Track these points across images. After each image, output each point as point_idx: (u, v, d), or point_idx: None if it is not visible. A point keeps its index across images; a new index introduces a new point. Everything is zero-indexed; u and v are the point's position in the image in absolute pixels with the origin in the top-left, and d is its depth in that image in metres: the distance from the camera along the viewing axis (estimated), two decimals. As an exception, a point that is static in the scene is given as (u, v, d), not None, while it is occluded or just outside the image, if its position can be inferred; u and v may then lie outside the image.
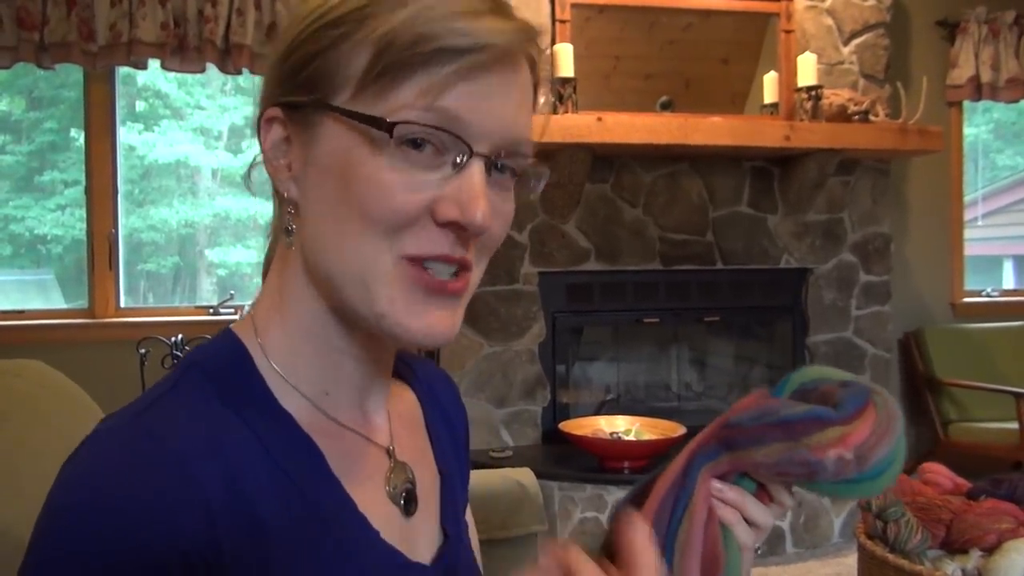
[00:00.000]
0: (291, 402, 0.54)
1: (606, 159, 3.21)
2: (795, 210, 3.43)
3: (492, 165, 0.50)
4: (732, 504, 0.53)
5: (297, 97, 0.51)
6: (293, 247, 0.53)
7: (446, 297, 0.51)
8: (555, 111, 2.96)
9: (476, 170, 0.49)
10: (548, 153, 2.74)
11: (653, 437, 2.94)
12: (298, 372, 0.54)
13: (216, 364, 0.53)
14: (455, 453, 0.69)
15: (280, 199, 0.54)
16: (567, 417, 3.19)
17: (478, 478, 1.55)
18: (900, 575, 1.50)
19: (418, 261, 0.49)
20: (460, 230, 0.49)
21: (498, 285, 3.17)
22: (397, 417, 0.63)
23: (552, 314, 3.27)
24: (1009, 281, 4.72)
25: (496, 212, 0.51)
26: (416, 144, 0.48)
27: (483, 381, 3.18)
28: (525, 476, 1.98)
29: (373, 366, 0.58)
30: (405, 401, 0.66)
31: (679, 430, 2.93)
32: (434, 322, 0.50)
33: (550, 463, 2.98)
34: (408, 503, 0.58)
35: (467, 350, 3.15)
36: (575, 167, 3.00)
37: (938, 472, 1.74)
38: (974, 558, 1.52)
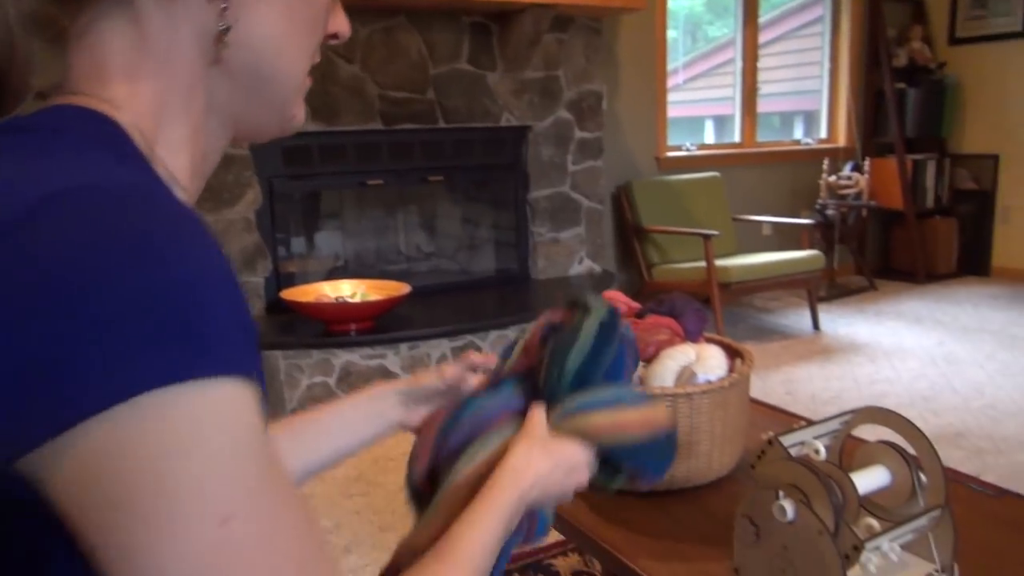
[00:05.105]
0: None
1: (315, 9, 3.00)
2: (513, 67, 3.47)
3: None
4: None
5: None
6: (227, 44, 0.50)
7: None
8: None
9: None
10: None
11: (379, 298, 2.94)
12: (174, 160, 0.51)
13: (93, 131, 0.45)
14: None
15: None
16: (293, 287, 3.09)
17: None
18: (577, 390, 1.64)
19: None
20: (333, 39, 0.58)
21: (203, 149, 2.91)
22: None
23: (268, 179, 3.08)
24: (710, 138, 5.22)
25: None
26: None
27: (195, 254, 2.96)
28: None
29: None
30: None
31: (404, 289, 2.96)
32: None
33: (274, 333, 2.89)
34: None
35: (173, 222, 2.90)
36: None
37: (615, 298, 1.89)
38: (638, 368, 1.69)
